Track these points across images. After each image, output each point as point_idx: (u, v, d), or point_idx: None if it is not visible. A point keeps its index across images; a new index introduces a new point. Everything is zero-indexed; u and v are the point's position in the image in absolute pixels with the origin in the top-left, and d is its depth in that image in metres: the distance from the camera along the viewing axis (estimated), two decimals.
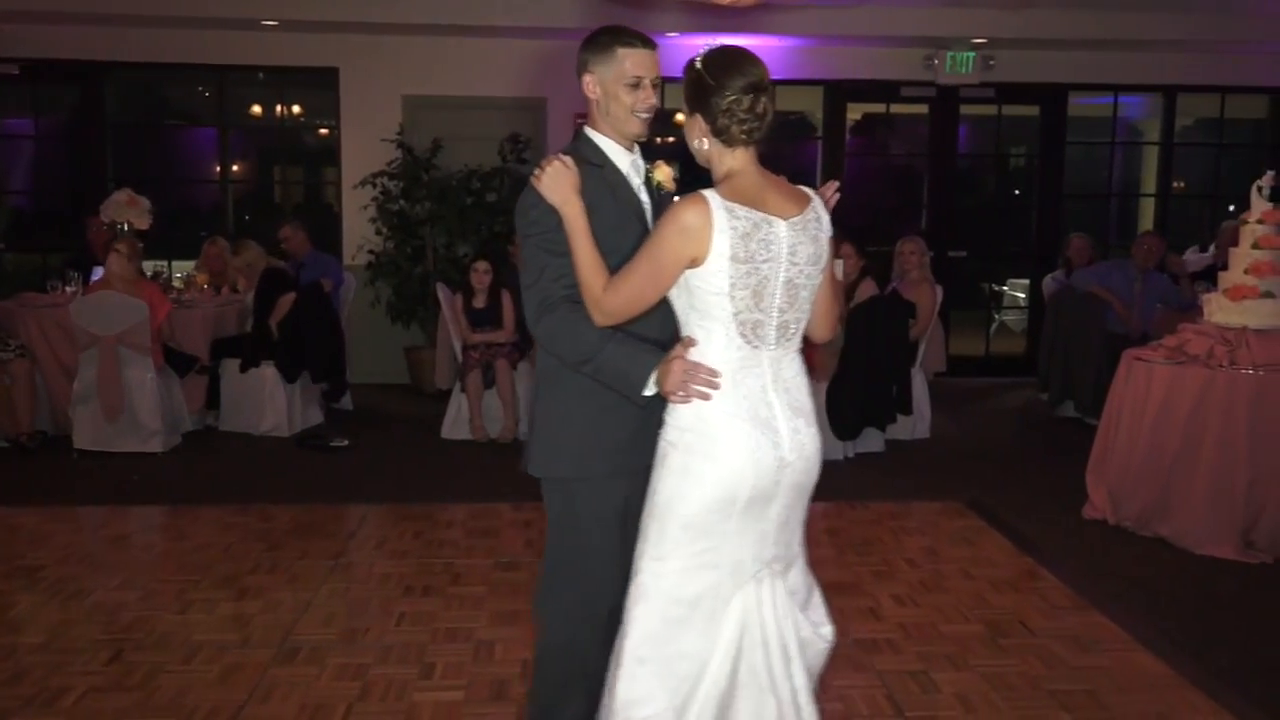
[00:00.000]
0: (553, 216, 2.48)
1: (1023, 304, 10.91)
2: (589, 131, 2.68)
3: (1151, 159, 10.56)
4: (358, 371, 8.69)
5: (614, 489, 2.61)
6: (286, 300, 7.31)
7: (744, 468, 2.40)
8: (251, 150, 10.42)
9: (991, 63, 9.29)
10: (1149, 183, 10.63)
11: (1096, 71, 9.56)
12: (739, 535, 2.45)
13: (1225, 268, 5.47)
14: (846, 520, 5.56)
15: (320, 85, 9.26)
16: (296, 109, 9.85)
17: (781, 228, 2.38)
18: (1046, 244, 9.98)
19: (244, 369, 7.23)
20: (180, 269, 8.95)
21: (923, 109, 9.87)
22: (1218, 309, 5.31)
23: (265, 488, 6.09)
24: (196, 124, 10.23)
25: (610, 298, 2.41)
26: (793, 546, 2.59)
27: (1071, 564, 4.86)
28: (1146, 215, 10.51)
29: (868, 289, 6.96)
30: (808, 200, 2.48)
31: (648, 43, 2.60)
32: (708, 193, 2.35)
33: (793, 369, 2.51)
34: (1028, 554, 5.01)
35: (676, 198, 2.54)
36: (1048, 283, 8.91)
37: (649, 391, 2.46)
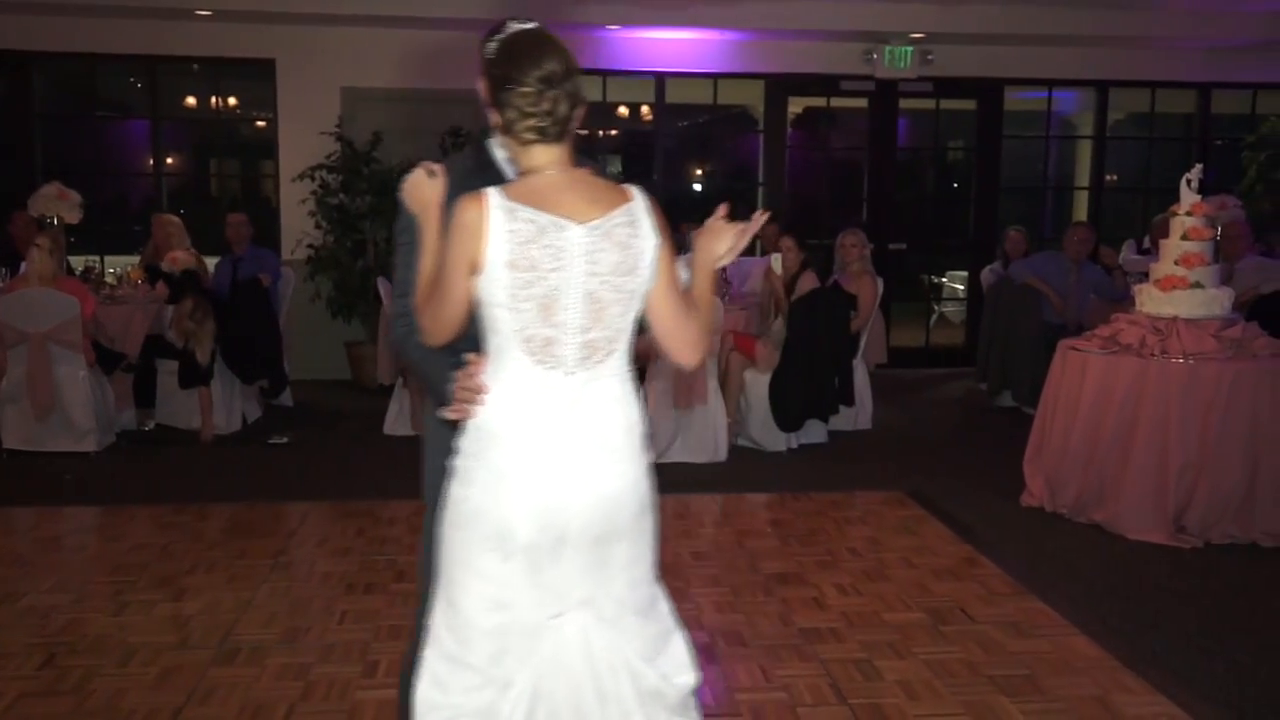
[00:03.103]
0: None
1: (961, 296, 11.07)
2: (491, 139, 2.36)
3: (1085, 152, 10.77)
4: (298, 368, 8.57)
5: None
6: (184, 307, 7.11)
7: (517, 508, 2.10)
8: (186, 143, 10.23)
9: (929, 57, 9.40)
10: (1083, 176, 10.84)
11: (1031, 66, 9.72)
12: (528, 576, 2.13)
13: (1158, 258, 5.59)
14: (790, 511, 5.60)
15: (256, 77, 9.11)
16: (232, 101, 9.69)
17: (576, 233, 2.07)
18: (984, 236, 10.13)
19: (184, 384, 7.08)
20: (113, 264, 8.76)
21: (862, 103, 9.97)
22: (1149, 299, 5.42)
23: (203, 486, 6.00)
24: (129, 115, 10.02)
25: (420, 315, 2.17)
26: (617, 588, 2.20)
27: (1010, 551, 4.95)
28: (1081, 208, 10.71)
29: (809, 282, 7.01)
30: (622, 202, 2.13)
31: None
32: (491, 190, 2.07)
33: (604, 397, 2.15)
34: (968, 542, 5.09)
35: None
36: (986, 274, 9.05)
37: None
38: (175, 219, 8.11)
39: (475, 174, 2.29)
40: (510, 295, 2.06)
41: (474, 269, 2.06)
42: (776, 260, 7.00)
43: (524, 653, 2.16)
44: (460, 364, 2.19)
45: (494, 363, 2.14)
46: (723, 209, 2.34)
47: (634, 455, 2.20)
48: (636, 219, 2.14)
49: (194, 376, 6.98)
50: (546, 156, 2.13)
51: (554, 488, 2.11)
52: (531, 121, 2.09)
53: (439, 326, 2.15)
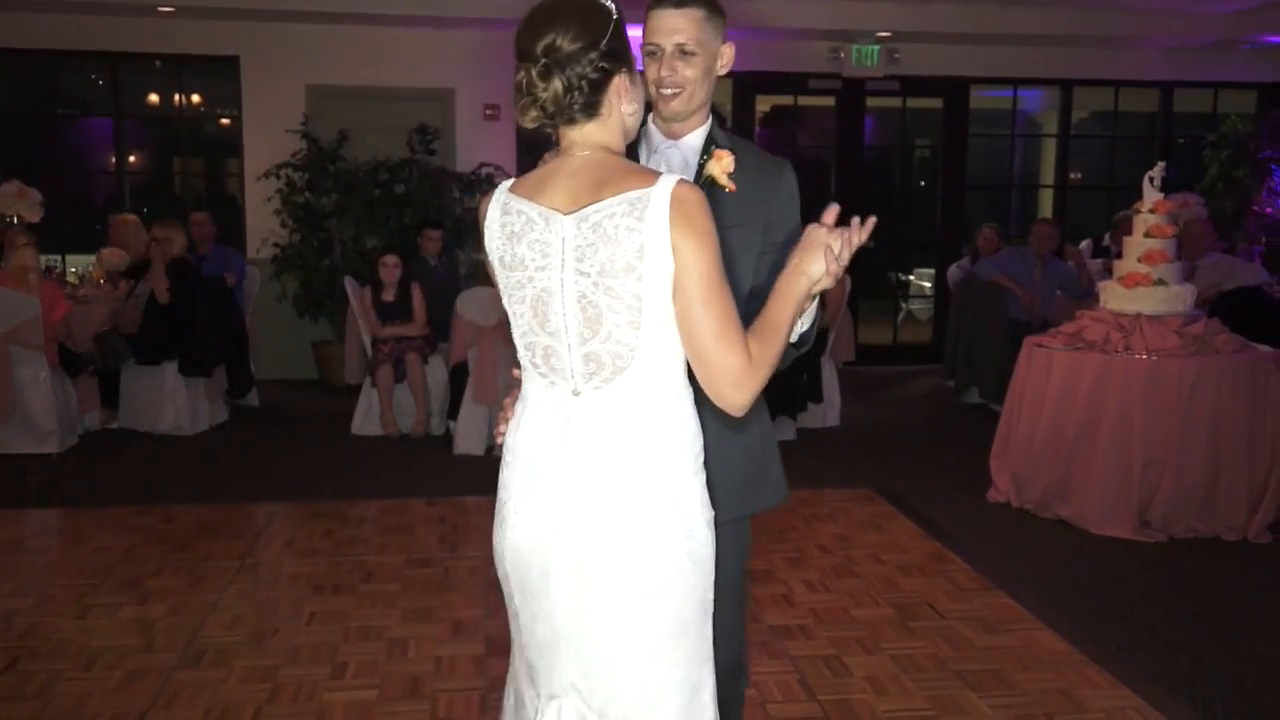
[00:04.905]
0: None
1: (928, 293, 11.14)
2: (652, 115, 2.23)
3: (1049, 150, 10.88)
4: (264, 368, 8.51)
5: None
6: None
7: (501, 533, 1.89)
8: (149, 140, 10.11)
9: (896, 56, 9.46)
10: (1047, 174, 10.94)
11: (996, 65, 9.80)
12: (529, 624, 1.88)
13: (1120, 256, 5.65)
14: None
15: (220, 74, 9.02)
16: (196, 98, 9.59)
17: (562, 224, 1.76)
18: (951, 234, 10.20)
19: (144, 360, 6.98)
20: (74, 264, 8.65)
21: (830, 101, 10.01)
22: (1113, 296, 5.48)
23: (168, 488, 5.93)
24: (90, 113, 9.89)
25: None
26: (620, 683, 1.81)
27: (977, 547, 4.98)
28: (1046, 205, 10.82)
29: None
30: (633, 187, 1.73)
31: (675, 0, 2.10)
32: (505, 182, 1.89)
33: (611, 421, 1.79)
34: (935, 538, 5.12)
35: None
36: (953, 271, 9.11)
37: None
38: (133, 218, 8.02)
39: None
40: (509, 297, 1.84)
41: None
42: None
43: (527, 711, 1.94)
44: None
45: (523, 372, 1.91)
46: (831, 212, 1.89)
47: (648, 508, 1.78)
48: (643, 207, 1.71)
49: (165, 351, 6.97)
50: (575, 135, 1.83)
51: (531, 520, 1.83)
52: (524, 101, 1.80)
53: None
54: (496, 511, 1.92)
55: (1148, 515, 5.10)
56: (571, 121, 1.80)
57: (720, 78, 2.26)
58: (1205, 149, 10.33)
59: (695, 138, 2.22)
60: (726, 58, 2.21)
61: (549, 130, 1.85)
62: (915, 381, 9.40)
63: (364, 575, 4.58)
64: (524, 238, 1.79)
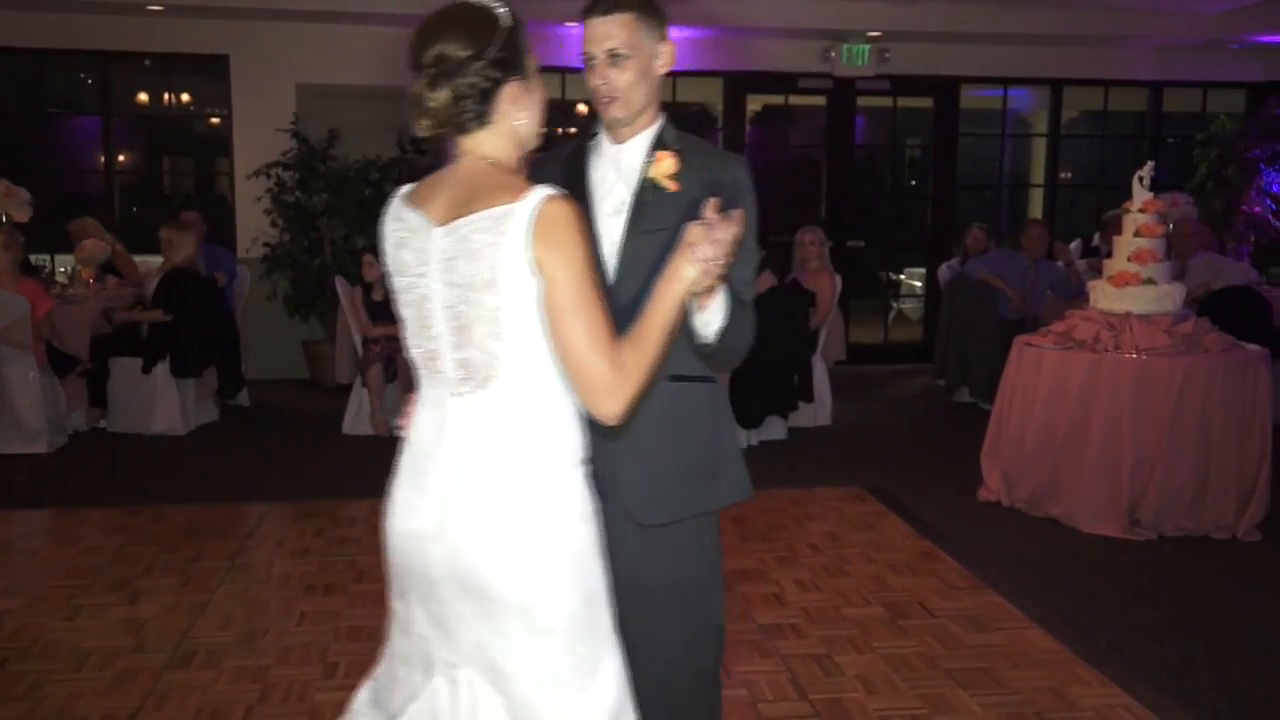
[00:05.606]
0: None
1: (919, 292, 11.16)
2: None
3: (1040, 150, 10.90)
4: (255, 367, 8.48)
5: None
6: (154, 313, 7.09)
7: (390, 521, 1.95)
8: (139, 140, 10.08)
9: (886, 55, 9.47)
10: (1037, 173, 10.97)
11: (987, 65, 9.82)
12: (421, 602, 1.93)
13: (1110, 255, 5.67)
14: (750, 507, 5.61)
15: (210, 73, 8.99)
16: (185, 97, 9.56)
17: (435, 234, 1.82)
18: (941, 233, 10.22)
19: (146, 369, 6.98)
20: (63, 263, 8.63)
21: (820, 100, 10.02)
22: (1102, 295, 5.49)
23: (158, 488, 5.91)
24: (79, 112, 9.86)
25: None
26: (513, 675, 1.82)
27: (967, 546, 5.00)
28: (1036, 205, 10.84)
29: (765, 281, 7.04)
30: (501, 202, 1.76)
31: (604, 7, 2.14)
32: (404, 188, 1.96)
33: (483, 426, 1.82)
34: (926, 537, 5.13)
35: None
36: (943, 271, 9.13)
37: None
38: (90, 220, 8.01)
39: (553, 160, 2.26)
40: (398, 301, 1.91)
41: None
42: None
43: (410, 690, 1.96)
44: None
45: None
46: (709, 206, 1.87)
47: (524, 512, 1.81)
48: (504, 223, 1.74)
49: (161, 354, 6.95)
50: (465, 145, 1.88)
51: (412, 515, 1.89)
52: (415, 111, 1.85)
53: None
54: (388, 498, 1.97)
55: (1138, 514, 5.11)
56: (464, 130, 1.85)
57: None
58: (1194, 148, 10.36)
59: (641, 140, 2.23)
60: (665, 56, 2.22)
61: (445, 138, 1.87)
62: (906, 381, 9.42)
63: (355, 575, 4.58)
64: (408, 245, 1.86)
